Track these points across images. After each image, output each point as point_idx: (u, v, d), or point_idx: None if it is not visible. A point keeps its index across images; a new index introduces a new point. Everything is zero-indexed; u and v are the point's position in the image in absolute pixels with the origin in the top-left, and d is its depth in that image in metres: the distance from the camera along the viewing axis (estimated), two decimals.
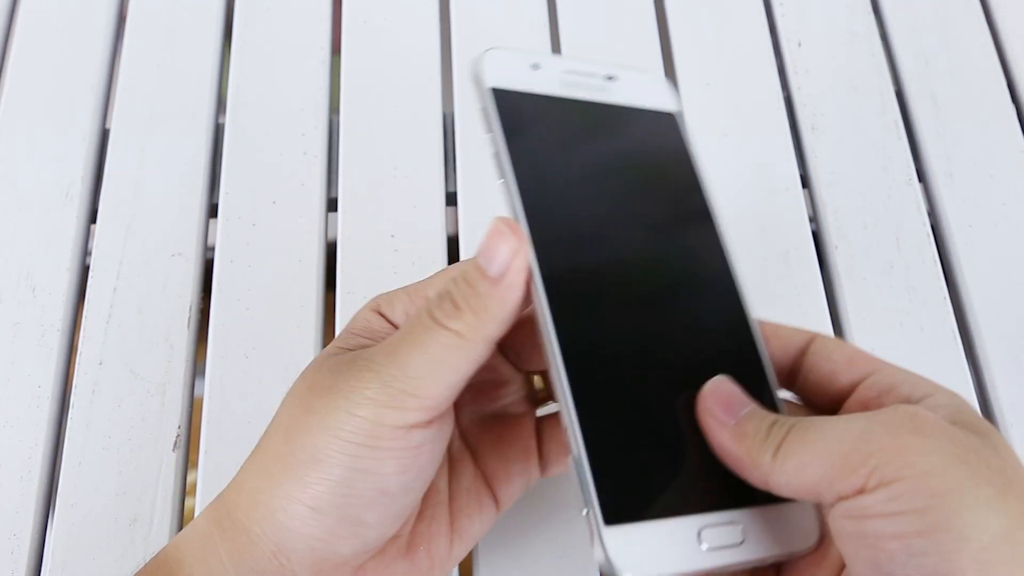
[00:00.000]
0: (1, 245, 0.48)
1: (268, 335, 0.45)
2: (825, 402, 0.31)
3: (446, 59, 0.53)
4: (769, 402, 0.31)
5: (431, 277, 0.35)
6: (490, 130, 0.34)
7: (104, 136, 0.52)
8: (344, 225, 0.48)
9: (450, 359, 0.30)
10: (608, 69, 0.36)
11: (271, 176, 0.50)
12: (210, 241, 0.49)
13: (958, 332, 0.45)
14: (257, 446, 0.33)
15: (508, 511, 0.40)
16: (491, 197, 0.49)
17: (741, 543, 0.30)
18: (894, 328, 0.45)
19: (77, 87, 0.53)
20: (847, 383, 0.31)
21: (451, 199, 0.49)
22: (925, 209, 0.48)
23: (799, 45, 0.53)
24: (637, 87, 0.37)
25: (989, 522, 0.25)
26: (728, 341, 0.33)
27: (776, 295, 0.46)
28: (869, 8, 0.54)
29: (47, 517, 0.42)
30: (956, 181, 0.49)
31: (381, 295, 0.35)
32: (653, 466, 0.31)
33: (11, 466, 0.42)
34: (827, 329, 0.45)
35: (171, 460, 0.42)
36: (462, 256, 0.47)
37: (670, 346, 0.33)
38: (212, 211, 0.50)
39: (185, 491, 0.43)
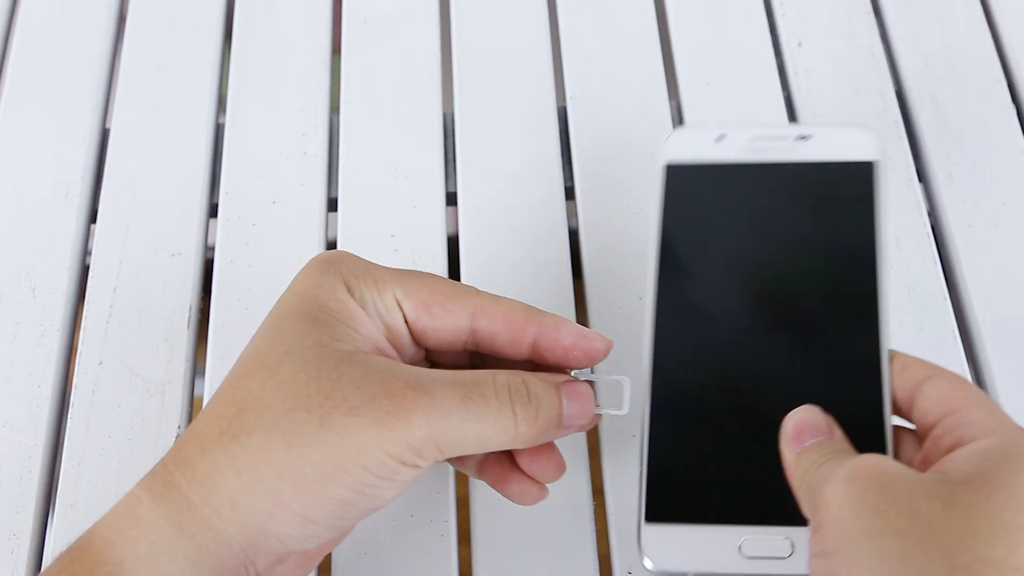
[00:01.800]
0: (1, 245, 0.48)
1: None
2: (924, 436, 0.32)
3: (446, 59, 0.53)
4: (876, 443, 0.32)
5: (405, 273, 0.35)
6: (652, 203, 0.36)
7: (104, 136, 0.52)
8: (344, 225, 0.48)
9: (494, 443, 0.32)
10: (802, 129, 0.37)
11: (271, 176, 0.50)
12: (210, 241, 0.49)
13: (958, 332, 0.45)
14: (229, 429, 0.31)
15: (509, 511, 0.40)
16: (491, 197, 0.49)
17: (789, 556, 0.31)
18: (894, 328, 0.45)
19: (77, 87, 0.53)
20: (932, 420, 0.31)
21: (451, 199, 0.49)
22: (925, 209, 0.48)
23: (799, 45, 0.53)
24: (833, 141, 0.36)
25: (880, 572, 0.26)
26: (847, 378, 0.33)
27: None
28: (869, 8, 0.54)
29: (47, 517, 0.42)
30: (956, 181, 0.48)
31: (341, 261, 0.35)
32: (715, 475, 0.33)
33: (11, 466, 0.42)
34: None
35: None
36: (462, 256, 0.47)
37: (781, 371, 0.34)
38: (212, 211, 0.50)
39: None
